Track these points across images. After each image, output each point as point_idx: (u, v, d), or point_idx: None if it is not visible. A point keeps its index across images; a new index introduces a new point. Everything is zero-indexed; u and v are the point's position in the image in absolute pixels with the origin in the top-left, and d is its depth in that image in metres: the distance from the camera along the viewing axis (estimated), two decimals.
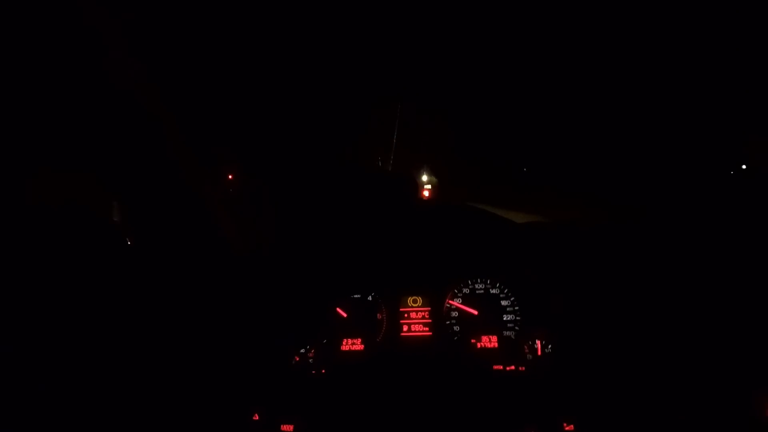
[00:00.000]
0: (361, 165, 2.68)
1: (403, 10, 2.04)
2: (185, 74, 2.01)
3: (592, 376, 1.58)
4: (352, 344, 1.81)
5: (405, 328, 1.82)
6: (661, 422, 1.40)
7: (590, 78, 2.02)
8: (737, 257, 1.51)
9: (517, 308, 1.81)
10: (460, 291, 1.86)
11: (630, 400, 1.46)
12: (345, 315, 1.84)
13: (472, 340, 1.79)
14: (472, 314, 1.82)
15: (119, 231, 1.61)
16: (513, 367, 1.70)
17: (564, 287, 1.73)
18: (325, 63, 2.31)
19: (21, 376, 1.25)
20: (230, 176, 2.90)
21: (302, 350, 1.77)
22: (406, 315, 1.84)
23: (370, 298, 1.86)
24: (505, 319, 1.81)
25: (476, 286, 1.86)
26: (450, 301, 1.85)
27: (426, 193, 3.00)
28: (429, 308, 1.84)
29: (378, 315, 1.84)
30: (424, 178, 3.20)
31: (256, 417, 1.52)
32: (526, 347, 1.75)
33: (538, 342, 1.74)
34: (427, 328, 1.81)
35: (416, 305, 1.85)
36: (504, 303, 1.83)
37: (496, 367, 1.70)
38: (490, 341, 1.78)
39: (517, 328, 1.79)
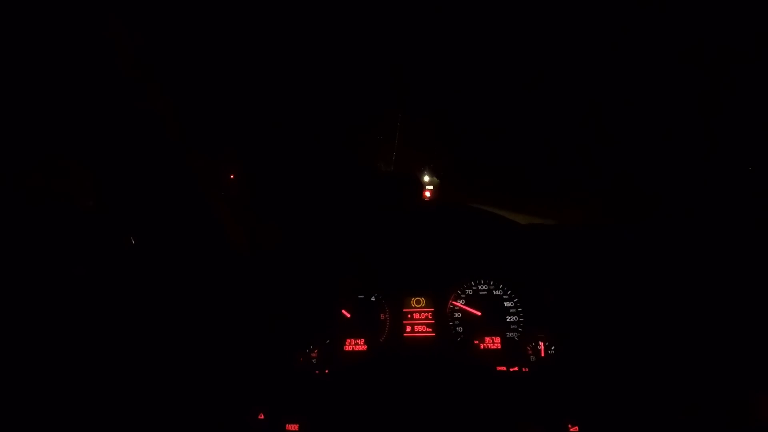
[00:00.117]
0: (364, 166, 2.68)
1: (405, 11, 2.04)
2: (189, 74, 2.01)
3: (596, 377, 1.58)
4: (355, 344, 1.80)
5: (408, 328, 1.82)
6: (665, 423, 1.40)
7: (593, 78, 2.03)
8: (740, 258, 1.51)
9: (520, 309, 1.81)
10: (464, 292, 1.86)
11: (634, 401, 1.46)
12: (348, 315, 1.83)
13: (475, 341, 1.79)
14: (475, 315, 1.82)
15: (122, 231, 1.61)
16: (516, 369, 1.70)
17: (567, 288, 1.73)
18: (328, 64, 2.31)
19: (23, 376, 1.25)
20: (231, 176, 2.90)
21: (306, 350, 1.77)
22: (409, 316, 1.84)
23: (373, 298, 1.86)
24: (508, 320, 1.81)
25: (479, 287, 1.86)
26: (453, 302, 1.85)
27: (428, 194, 3.00)
28: (432, 309, 1.84)
29: (381, 315, 1.84)
30: (426, 178, 3.21)
31: (261, 416, 1.52)
32: (529, 348, 1.75)
33: (541, 343, 1.74)
34: (430, 329, 1.81)
35: (419, 306, 1.85)
36: (507, 304, 1.83)
37: (499, 368, 1.70)
38: (493, 342, 1.79)
39: (520, 329, 1.79)
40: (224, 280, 1.71)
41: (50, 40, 1.35)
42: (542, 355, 1.73)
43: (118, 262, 1.56)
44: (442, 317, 1.83)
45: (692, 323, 1.49)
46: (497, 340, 1.79)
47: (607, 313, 1.64)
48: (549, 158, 2.54)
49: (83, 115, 1.53)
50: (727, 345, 1.41)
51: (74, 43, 1.39)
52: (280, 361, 1.72)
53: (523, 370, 1.70)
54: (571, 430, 1.45)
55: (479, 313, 1.82)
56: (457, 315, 1.84)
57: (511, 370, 1.70)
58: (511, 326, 1.80)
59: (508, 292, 1.84)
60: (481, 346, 1.78)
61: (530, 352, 1.75)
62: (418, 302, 1.85)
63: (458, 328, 1.82)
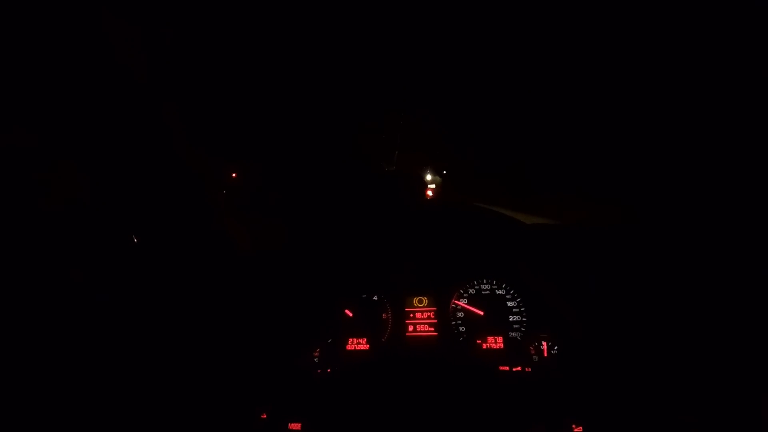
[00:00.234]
0: (366, 165, 2.67)
1: (407, 11, 2.03)
2: (192, 75, 2.01)
3: (599, 377, 1.58)
4: (358, 344, 1.80)
5: (410, 328, 1.82)
6: (669, 424, 1.39)
7: (596, 79, 2.02)
8: (746, 259, 1.50)
9: (523, 309, 1.81)
10: (466, 291, 1.86)
11: (637, 402, 1.45)
12: (351, 315, 1.83)
13: (478, 341, 1.78)
14: (477, 315, 1.82)
15: (125, 230, 1.61)
16: (519, 368, 1.69)
17: (571, 288, 1.72)
18: (331, 64, 2.30)
19: (27, 376, 1.25)
20: (233, 175, 2.90)
21: (308, 349, 1.77)
22: (411, 315, 1.83)
23: (375, 297, 1.86)
24: (511, 319, 1.80)
25: (482, 286, 1.86)
26: (456, 302, 1.84)
27: (430, 193, 2.99)
28: (435, 308, 1.84)
29: (383, 315, 1.84)
30: (428, 177, 3.20)
31: (264, 416, 1.51)
32: (532, 348, 1.74)
33: (544, 343, 1.74)
34: (432, 329, 1.81)
35: (422, 305, 1.84)
36: (510, 304, 1.82)
37: (501, 368, 1.69)
38: (495, 342, 1.78)
39: (523, 329, 1.79)
40: (227, 280, 1.70)
41: (57, 42, 1.36)
42: (545, 355, 1.73)
43: (120, 261, 1.56)
44: (444, 317, 1.82)
45: (697, 324, 1.48)
46: (500, 339, 1.78)
47: (611, 312, 1.63)
48: (554, 157, 2.53)
49: (88, 115, 1.53)
50: (731, 345, 1.40)
51: (80, 45, 1.39)
52: (282, 360, 1.71)
53: (526, 370, 1.69)
54: (575, 430, 1.44)
55: (482, 313, 1.81)
56: (460, 314, 1.83)
57: (514, 370, 1.69)
58: (514, 326, 1.79)
59: (511, 292, 1.83)
60: (484, 346, 1.78)
61: (533, 351, 1.74)
62: (420, 302, 1.85)
63: (461, 328, 1.82)
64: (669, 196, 1.77)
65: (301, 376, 1.71)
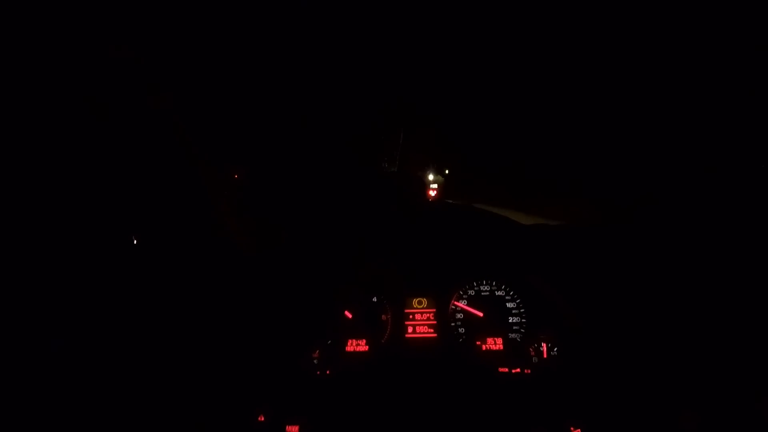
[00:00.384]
0: (367, 166, 2.67)
1: (407, 13, 2.03)
2: (195, 75, 2.02)
3: (599, 378, 1.57)
4: (357, 345, 1.80)
5: (410, 329, 1.81)
6: (668, 425, 1.39)
7: (597, 79, 2.01)
8: (746, 260, 1.48)
9: (522, 310, 1.80)
10: (466, 292, 1.85)
11: (637, 403, 1.44)
12: (350, 316, 1.83)
13: (478, 342, 1.78)
14: (477, 316, 1.81)
15: (125, 230, 1.62)
16: (518, 370, 1.69)
17: (570, 289, 1.72)
18: (332, 65, 2.30)
19: (27, 376, 1.26)
20: (236, 176, 2.91)
21: (307, 351, 1.77)
22: (411, 316, 1.83)
23: (375, 299, 1.86)
24: (510, 321, 1.80)
25: (482, 287, 1.85)
26: (455, 303, 1.84)
27: (432, 193, 2.99)
28: (434, 310, 1.83)
29: (383, 316, 1.83)
30: (431, 177, 3.20)
31: (262, 418, 1.52)
32: (531, 350, 1.74)
33: (543, 345, 1.73)
34: (432, 330, 1.81)
35: (421, 307, 1.84)
36: (510, 305, 1.82)
37: (501, 369, 1.70)
38: (495, 343, 1.78)
39: (522, 330, 1.78)
40: (227, 280, 1.71)
41: (58, 43, 1.37)
42: (545, 356, 1.72)
43: (120, 262, 1.57)
44: (443, 318, 1.82)
45: (697, 325, 1.47)
46: (499, 341, 1.78)
47: (611, 314, 1.62)
48: (554, 158, 2.52)
49: (89, 115, 1.54)
50: (731, 346, 1.39)
51: (82, 45, 1.40)
52: (281, 362, 1.72)
53: (526, 371, 1.69)
54: None
55: (481, 314, 1.81)
56: (459, 316, 1.83)
57: (514, 371, 1.69)
58: (514, 327, 1.79)
59: (511, 293, 1.83)
60: (483, 347, 1.77)
61: (533, 353, 1.74)
62: (419, 303, 1.85)
63: (460, 329, 1.81)
64: (669, 196, 1.76)
65: (301, 377, 1.71)
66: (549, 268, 1.77)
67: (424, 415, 1.57)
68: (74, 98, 1.50)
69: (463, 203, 2.16)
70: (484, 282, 1.85)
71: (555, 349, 1.72)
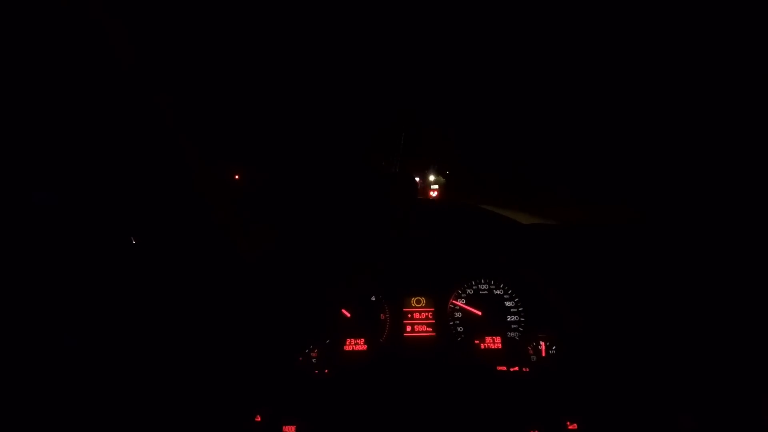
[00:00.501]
0: (366, 165, 2.68)
1: (407, 14, 2.04)
2: (195, 76, 2.03)
3: (597, 377, 1.56)
4: (355, 344, 1.80)
5: (408, 328, 1.81)
6: (666, 423, 1.38)
7: (598, 80, 2.01)
8: (745, 260, 1.48)
9: (521, 309, 1.80)
10: (464, 291, 1.85)
11: (635, 401, 1.44)
12: (348, 315, 1.83)
13: (476, 341, 1.78)
14: (475, 315, 1.81)
15: (123, 230, 1.63)
16: (517, 369, 1.69)
17: (569, 288, 1.71)
18: (333, 65, 2.31)
19: (24, 376, 1.26)
20: (237, 176, 2.92)
21: (306, 350, 1.77)
22: (409, 315, 1.83)
23: (373, 298, 1.86)
24: (509, 319, 1.80)
25: (480, 286, 1.85)
26: (454, 302, 1.84)
27: (434, 194, 2.99)
28: (432, 308, 1.83)
29: (381, 315, 1.84)
30: (432, 178, 3.20)
31: (258, 419, 1.52)
32: (530, 348, 1.74)
33: (542, 343, 1.73)
34: (430, 329, 1.81)
35: (420, 305, 1.84)
36: (508, 304, 1.82)
37: (499, 368, 1.69)
38: (494, 342, 1.77)
39: (521, 329, 1.78)
40: (223, 279, 1.71)
41: (54, 39, 1.37)
42: (543, 355, 1.72)
43: (118, 262, 1.58)
44: (442, 317, 1.82)
45: (695, 323, 1.46)
46: (498, 339, 1.77)
47: (609, 313, 1.62)
48: (553, 158, 2.51)
49: (87, 114, 1.55)
50: (730, 346, 1.39)
51: (77, 42, 1.40)
52: (279, 361, 1.72)
53: (524, 370, 1.69)
54: (571, 427, 1.43)
55: (480, 313, 1.81)
56: (458, 314, 1.83)
57: (512, 370, 1.69)
58: (512, 326, 1.79)
59: (509, 292, 1.83)
60: (482, 346, 1.77)
61: (531, 352, 1.73)
62: (418, 302, 1.85)
63: (459, 328, 1.81)
64: (668, 195, 1.75)
65: (299, 377, 1.71)
66: (548, 267, 1.76)
67: (422, 414, 1.57)
68: (74, 98, 1.51)
69: (461, 202, 2.16)
70: (483, 281, 1.85)
71: (554, 347, 1.72)
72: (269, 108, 2.56)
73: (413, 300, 1.85)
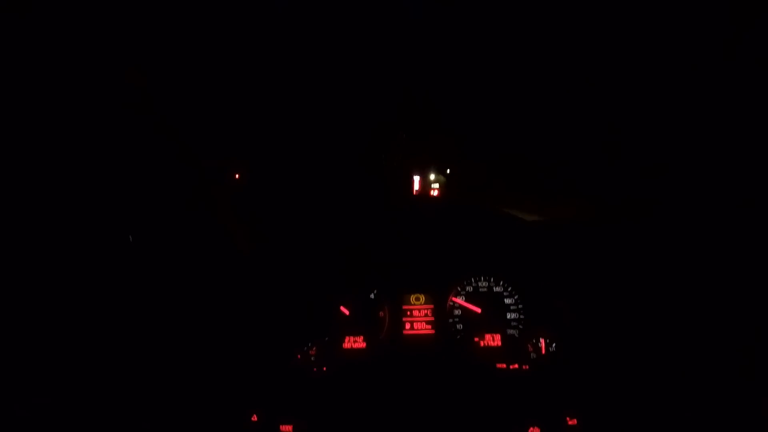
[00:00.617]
0: (366, 163, 2.67)
1: (406, 13, 2.03)
2: (195, 76, 2.03)
3: (596, 375, 1.55)
4: (354, 342, 1.79)
5: (407, 326, 1.80)
6: (665, 418, 1.37)
7: (598, 78, 1.99)
8: (747, 259, 1.46)
9: (520, 306, 1.79)
10: (464, 289, 1.84)
11: (634, 398, 1.43)
12: (347, 313, 1.83)
13: (476, 339, 1.77)
14: (475, 312, 1.80)
15: (122, 228, 1.63)
16: (516, 366, 1.68)
17: (569, 286, 1.70)
18: (333, 66, 2.31)
19: (22, 375, 1.27)
20: (237, 176, 2.91)
21: (304, 348, 1.76)
22: (408, 313, 1.82)
23: (372, 295, 1.85)
24: (508, 317, 1.79)
25: (479, 283, 1.84)
26: (453, 299, 1.83)
27: (434, 192, 2.97)
28: (432, 306, 1.82)
29: (380, 313, 1.83)
30: (432, 176, 3.18)
31: (255, 418, 1.51)
32: (529, 346, 1.72)
33: (542, 341, 1.72)
34: (429, 326, 1.80)
35: (419, 303, 1.83)
36: (508, 301, 1.81)
37: (499, 365, 1.69)
38: (493, 339, 1.76)
39: (520, 326, 1.77)
40: (222, 277, 1.71)
41: (57, 45, 1.38)
42: (543, 352, 1.71)
43: (117, 261, 1.58)
44: (441, 314, 1.81)
45: (695, 321, 1.45)
46: (497, 337, 1.76)
47: (610, 310, 1.61)
48: (554, 155, 2.50)
49: (87, 115, 1.55)
50: (727, 344, 1.37)
51: (79, 48, 1.41)
52: (276, 360, 1.72)
53: (524, 367, 1.68)
54: (570, 423, 1.42)
55: (479, 310, 1.80)
56: (457, 312, 1.82)
57: (512, 367, 1.68)
58: (512, 323, 1.78)
59: (509, 289, 1.82)
60: (482, 344, 1.76)
61: (531, 349, 1.72)
62: (417, 299, 1.84)
63: (458, 326, 1.80)
64: (668, 195, 1.74)
65: (295, 375, 1.71)
66: (547, 264, 1.76)
67: (422, 413, 1.56)
68: (74, 98, 1.51)
69: (462, 199, 2.15)
70: (482, 278, 1.84)
71: (553, 345, 1.71)
72: (269, 106, 2.56)
73: (412, 297, 1.84)
